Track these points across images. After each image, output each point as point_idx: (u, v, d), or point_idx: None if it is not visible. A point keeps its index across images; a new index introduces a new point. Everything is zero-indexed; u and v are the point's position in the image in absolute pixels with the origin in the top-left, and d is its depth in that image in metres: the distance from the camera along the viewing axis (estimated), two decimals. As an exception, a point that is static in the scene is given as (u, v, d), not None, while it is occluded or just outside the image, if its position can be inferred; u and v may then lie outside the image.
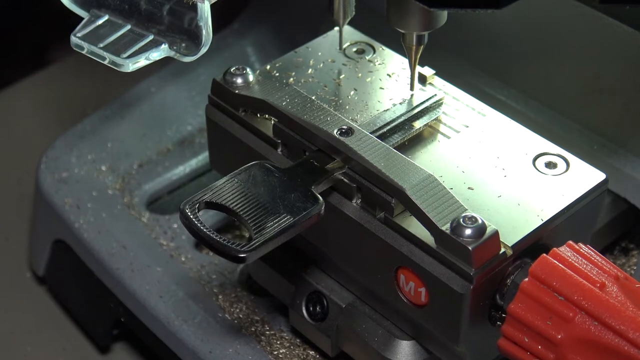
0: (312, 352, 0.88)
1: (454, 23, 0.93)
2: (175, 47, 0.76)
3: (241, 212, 0.74)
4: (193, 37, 0.75)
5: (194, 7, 0.74)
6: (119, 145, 1.04)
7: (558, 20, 0.88)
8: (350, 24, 0.90)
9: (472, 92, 0.86)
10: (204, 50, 0.75)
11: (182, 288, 0.92)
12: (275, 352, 0.87)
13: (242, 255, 0.71)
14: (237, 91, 0.83)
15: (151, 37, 0.76)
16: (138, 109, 1.07)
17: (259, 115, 0.83)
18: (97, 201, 0.99)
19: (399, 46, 0.86)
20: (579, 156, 0.80)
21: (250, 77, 0.84)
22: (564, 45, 0.89)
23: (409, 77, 0.84)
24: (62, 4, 0.80)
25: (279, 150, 0.82)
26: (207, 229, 0.72)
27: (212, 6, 0.75)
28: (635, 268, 0.91)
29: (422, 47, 0.81)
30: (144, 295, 0.92)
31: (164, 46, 0.76)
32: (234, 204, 0.74)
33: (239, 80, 0.84)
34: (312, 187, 0.76)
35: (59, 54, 1.32)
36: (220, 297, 0.92)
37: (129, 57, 0.76)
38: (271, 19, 1.12)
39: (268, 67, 0.87)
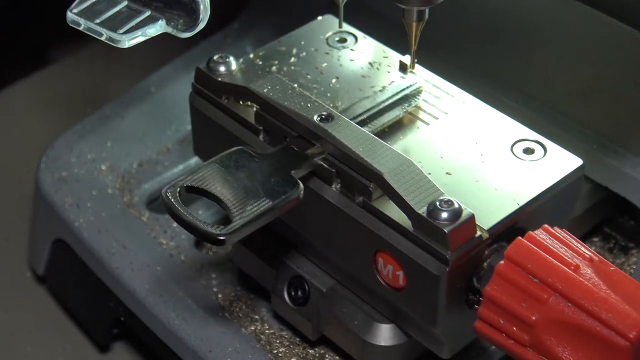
0: (311, 352, 0.88)
1: (454, 22, 0.94)
2: (172, 24, 0.76)
3: (221, 196, 0.75)
4: (190, 13, 0.75)
5: (191, -17, 0.75)
6: (119, 145, 1.04)
7: (558, 19, 0.89)
8: (345, 20, 0.91)
9: (472, 91, 0.86)
10: (201, 26, 0.76)
11: (181, 287, 0.92)
12: (275, 351, 0.88)
13: (222, 237, 0.72)
14: (220, 79, 0.84)
15: (148, 13, 0.77)
16: (138, 108, 1.07)
17: (241, 102, 0.84)
18: (96, 200, 0.99)
19: (399, 44, 0.87)
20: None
21: (233, 66, 0.85)
22: (563, 45, 0.89)
23: (409, 58, 0.85)
24: (62, 3, 0.81)
25: (261, 136, 0.83)
26: (187, 212, 0.74)
27: (212, 5, 0.76)
28: (634, 267, 0.92)
29: (422, 23, 0.80)
30: (144, 294, 0.92)
31: (161, 22, 0.77)
32: (215, 188, 0.75)
33: (222, 69, 0.85)
34: (292, 172, 0.77)
35: (59, 53, 1.32)
36: (220, 296, 0.92)
37: (125, 32, 0.76)
38: (271, 19, 1.13)
39: (251, 55, 0.88)
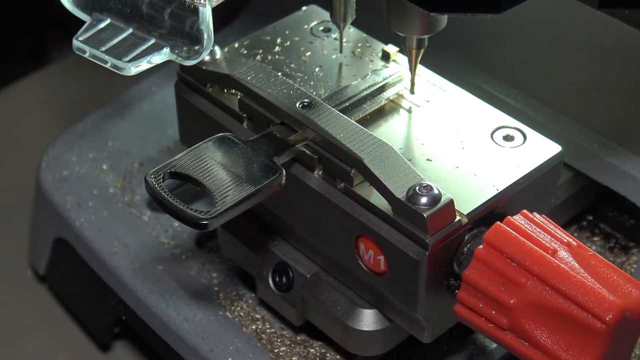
0: (312, 350, 0.88)
1: (454, 20, 0.94)
2: (176, 51, 0.77)
3: (204, 182, 0.75)
4: (194, 40, 0.76)
5: (195, 11, 0.75)
6: (120, 144, 1.04)
7: (558, 19, 0.89)
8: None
9: (472, 89, 0.87)
10: (205, 54, 0.77)
11: (182, 286, 0.93)
12: (276, 350, 0.88)
13: (204, 222, 0.73)
14: (204, 67, 0.85)
15: (153, 41, 0.78)
16: (139, 107, 1.07)
17: (225, 90, 0.85)
18: (98, 199, 0.99)
19: (398, 42, 0.87)
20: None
21: (218, 54, 0.86)
22: (564, 44, 0.89)
23: (410, 80, 0.85)
24: (61, 3, 0.81)
25: (245, 124, 0.84)
26: (171, 197, 0.74)
27: (213, 4, 0.77)
28: (635, 266, 0.92)
29: (422, 50, 0.81)
30: (145, 294, 0.92)
31: (166, 50, 0.77)
32: (198, 174, 0.76)
33: (207, 57, 0.85)
34: (275, 158, 0.78)
35: (59, 52, 1.32)
36: (221, 295, 0.92)
37: (130, 60, 0.77)
38: (272, 18, 1.13)
39: (236, 45, 0.89)
